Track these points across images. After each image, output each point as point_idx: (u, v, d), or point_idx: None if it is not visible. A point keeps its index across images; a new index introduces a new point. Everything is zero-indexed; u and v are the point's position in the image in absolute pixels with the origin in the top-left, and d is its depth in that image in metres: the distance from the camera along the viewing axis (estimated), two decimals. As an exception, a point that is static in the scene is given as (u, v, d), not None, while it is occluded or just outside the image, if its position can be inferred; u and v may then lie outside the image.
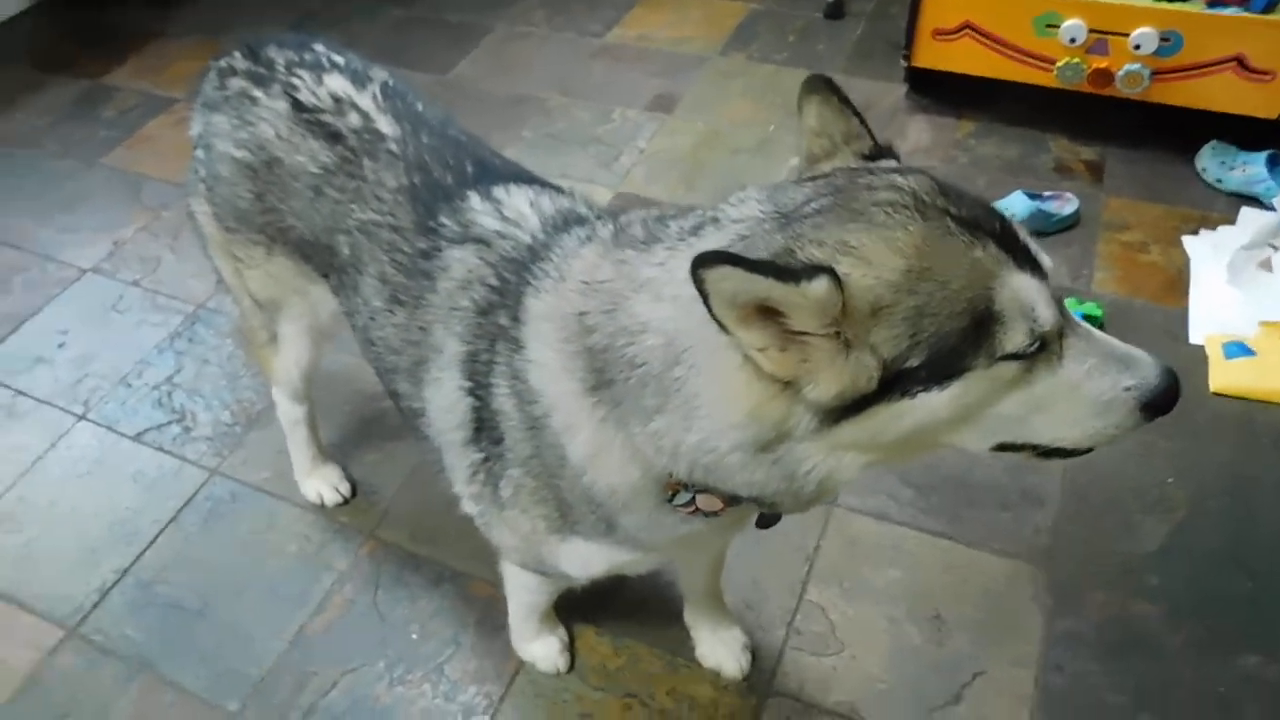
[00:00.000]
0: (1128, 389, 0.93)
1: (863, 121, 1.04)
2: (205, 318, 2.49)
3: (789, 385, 0.88)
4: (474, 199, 1.27)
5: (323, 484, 2.01)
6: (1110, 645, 1.73)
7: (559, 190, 1.31)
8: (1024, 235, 0.92)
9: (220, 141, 1.48)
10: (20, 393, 2.34)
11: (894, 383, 0.86)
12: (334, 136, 1.39)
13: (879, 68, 3.10)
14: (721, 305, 0.82)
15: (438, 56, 3.33)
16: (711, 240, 0.94)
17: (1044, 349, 0.90)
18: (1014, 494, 1.96)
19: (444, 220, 1.26)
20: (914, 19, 2.70)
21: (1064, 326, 0.92)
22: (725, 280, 0.80)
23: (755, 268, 0.81)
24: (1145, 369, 0.93)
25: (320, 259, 1.45)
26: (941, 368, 0.86)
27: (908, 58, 2.80)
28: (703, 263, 0.80)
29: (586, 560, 1.27)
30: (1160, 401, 0.93)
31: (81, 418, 2.27)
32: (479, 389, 1.17)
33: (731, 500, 1.03)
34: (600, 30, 3.44)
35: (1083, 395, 0.92)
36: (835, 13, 3.35)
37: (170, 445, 2.19)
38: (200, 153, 1.54)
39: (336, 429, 2.15)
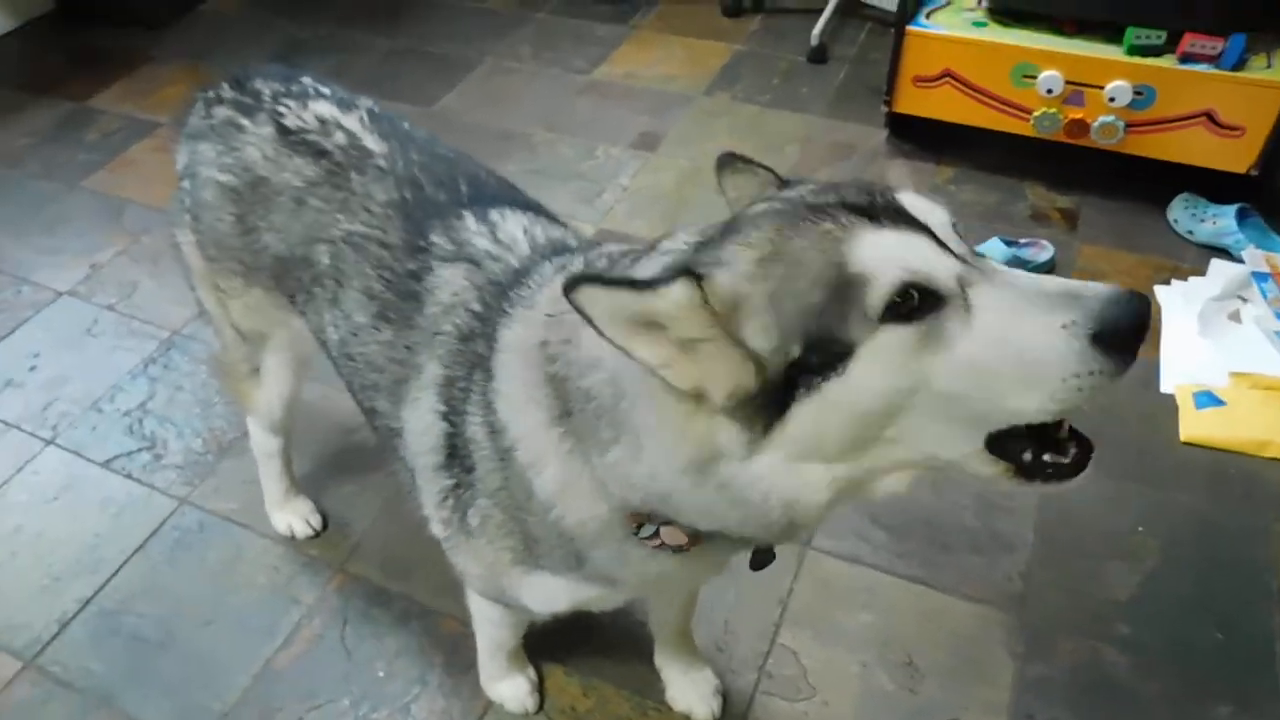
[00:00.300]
0: (1066, 325, 0.80)
1: (767, 168, 1.10)
2: (181, 344, 2.47)
3: (700, 398, 0.87)
4: (469, 219, 1.28)
5: (294, 516, 1.99)
6: (1081, 693, 1.73)
7: (553, 219, 1.33)
8: (908, 200, 0.87)
9: (205, 168, 1.48)
10: (-12, 416, 2.31)
11: (795, 381, 0.85)
12: (320, 153, 1.40)
13: (860, 111, 3.15)
14: (605, 324, 0.83)
15: (424, 88, 3.35)
16: (641, 269, 0.95)
17: (942, 304, 0.82)
18: (985, 538, 1.97)
19: (435, 239, 1.27)
20: (895, 66, 2.75)
21: (966, 275, 0.83)
22: (594, 300, 0.82)
23: (614, 283, 0.84)
24: (1089, 299, 0.80)
25: (291, 278, 1.44)
26: (826, 349, 0.83)
27: (888, 103, 2.85)
28: (571, 286, 0.82)
29: (551, 595, 1.25)
30: (1114, 328, 0.79)
31: (50, 443, 2.24)
32: (454, 415, 1.17)
33: (695, 535, 1.02)
34: (586, 67, 3.48)
35: (1012, 346, 0.81)
36: (818, 57, 3.40)
37: (139, 473, 2.16)
38: (186, 183, 1.54)
39: (309, 460, 2.13)
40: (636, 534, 1.05)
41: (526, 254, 1.22)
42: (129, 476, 2.15)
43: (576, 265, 1.12)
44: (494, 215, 1.28)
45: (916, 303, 0.81)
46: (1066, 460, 0.91)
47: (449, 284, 1.23)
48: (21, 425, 2.28)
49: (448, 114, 3.24)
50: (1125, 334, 0.80)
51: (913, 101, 2.80)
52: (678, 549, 1.05)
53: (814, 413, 0.86)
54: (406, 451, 1.30)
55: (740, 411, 0.87)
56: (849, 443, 0.88)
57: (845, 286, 0.82)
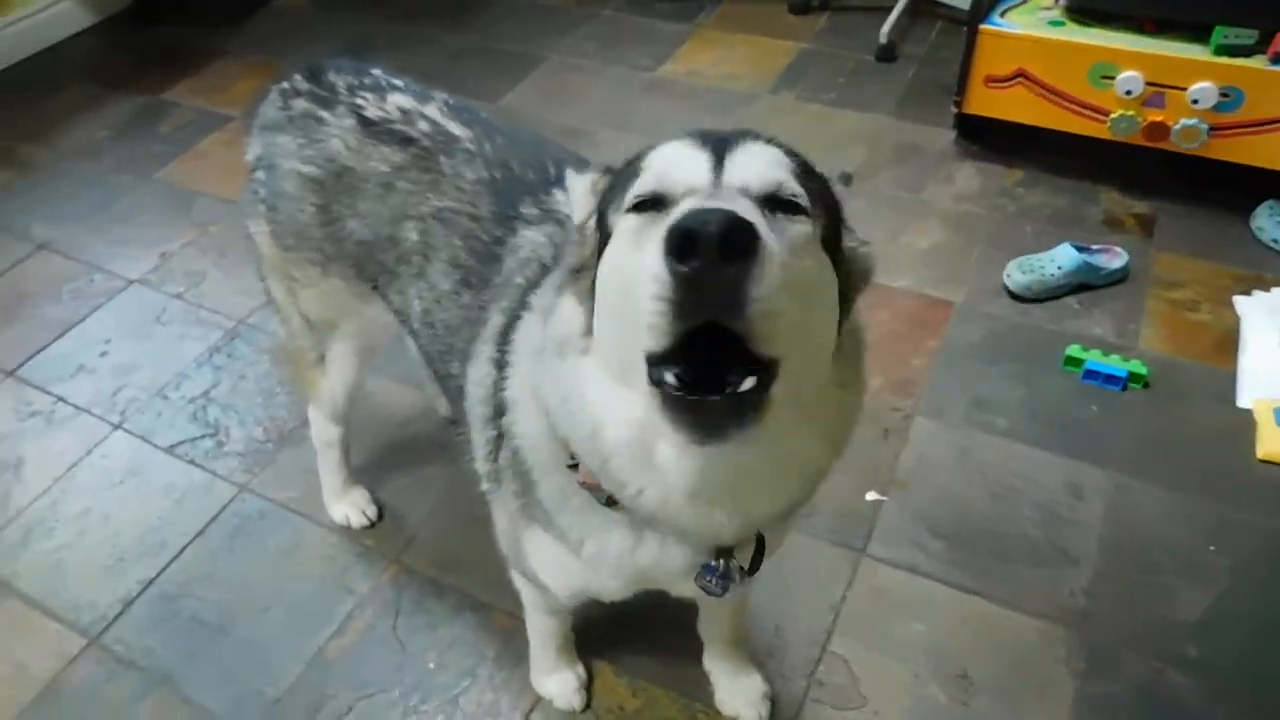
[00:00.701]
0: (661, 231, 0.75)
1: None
2: (245, 334, 2.52)
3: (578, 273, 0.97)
4: (559, 194, 1.30)
5: (350, 507, 2.02)
6: (1145, 715, 1.67)
7: None
8: (747, 144, 0.90)
9: (285, 160, 1.52)
10: (60, 399, 2.38)
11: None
12: (406, 140, 1.44)
13: (928, 112, 3.08)
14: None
15: (490, 85, 3.37)
16: None
17: (666, 210, 0.83)
18: (1047, 550, 1.91)
19: (525, 209, 1.30)
20: (967, 65, 2.68)
21: (695, 194, 0.82)
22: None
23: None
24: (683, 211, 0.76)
25: (373, 262, 1.48)
26: (605, 224, 0.93)
27: (958, 104, 2.78)
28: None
29: (549, 562, 1.26)
30: (675, 229, 0.72)
31: (118, 427, 2.30)
32: (502, 363, 1.19)
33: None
34: (651, 65, 3.46)
35: (633, 260, 0.82)
36: (887, 55, 3.34)
37: (202, 459, 2.21)
38: (261, 174, 1.57)
39: (366, 453, 2.16)
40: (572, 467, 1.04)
41: None
42: (192, 462, 2.20)
43: None
44: None
45: (651, 202, 0.86)
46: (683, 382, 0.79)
47: (530, 242, 1.27)
48: (92, 409, 2.35)
49: (512, 110, 3.25)
50: (675, 232, 0.72)
51: (984, 102, 2.73)
52: (607, 502, 1.01)
53: (598, 293, 0.91)
54: (468, 405, 1.32)
55: (583, 295, 0.95)
56: (610, 335, 0.89)
57: (629, 177, 0.91)
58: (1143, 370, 2.17)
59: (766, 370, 0.79)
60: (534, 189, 1.33)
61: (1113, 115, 2.56)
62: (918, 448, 2.12)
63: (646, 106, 3.25)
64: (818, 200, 0.90)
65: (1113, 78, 2.52)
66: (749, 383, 0.78)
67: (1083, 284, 2.41)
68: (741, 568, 1.09)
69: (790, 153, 0.93)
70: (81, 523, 2.09)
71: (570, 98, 3.32)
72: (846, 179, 1.02)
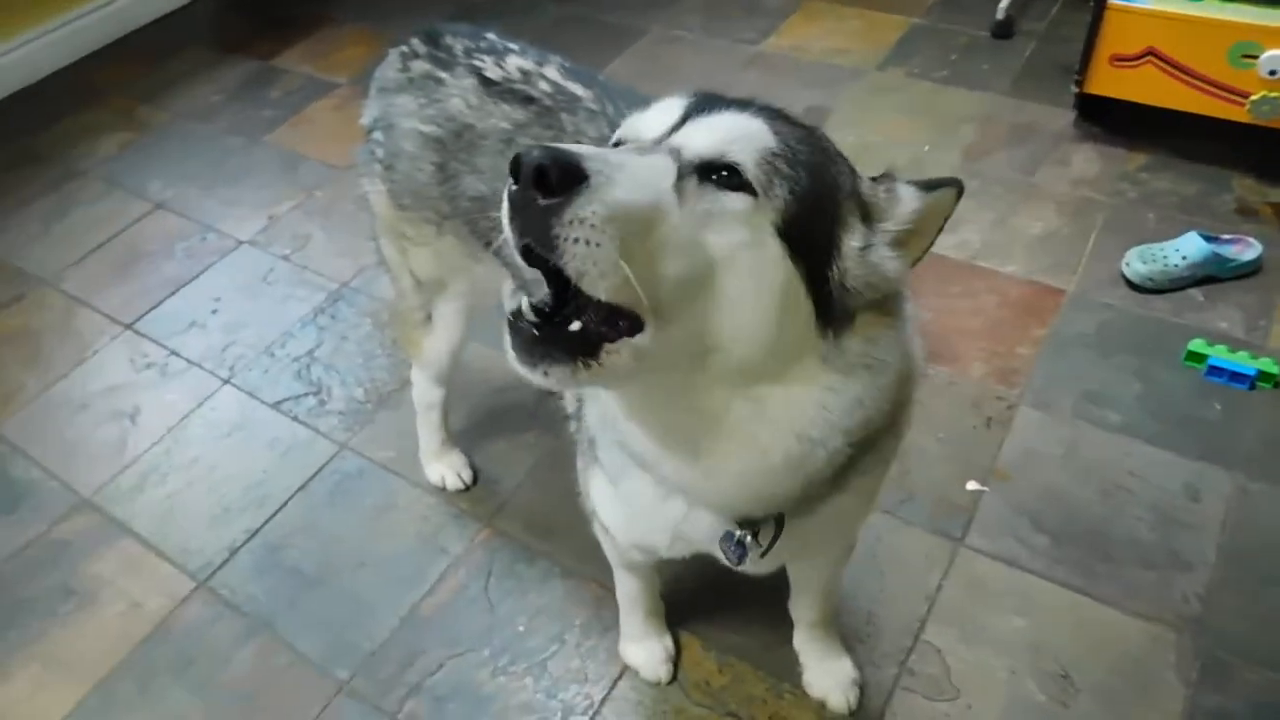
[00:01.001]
0: None
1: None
2: (348, 296, 2.57)
3: None
4: None
5: (447, 468, 2.05)
6: (1262, 731, 1.59)
7: None
8: (726, 109, 0.92)
9: (405, 120, 1.54)
10: (174, 353, 2.47)
11: None
12: (527, 99, 1.45)
13: (1046, 91, 2.95)
14: None
15: (592, 55, 3.35)
16: None
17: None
18: (1160, 553, 1.83)
19: None
20: (1091, 43, 2.55)
21: (636, 146, 0.90)
22: None
23: None
24: None
25: (488, 218, 1.49)
26: None
27: (1079, 83, 2.65)
28: None
29: (609, 506, 1.31)
30: (512, 156, 0.77)
31: (226, 382, 2.38)
32: None
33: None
34: (755, 38, 3.40)
35: None
36: (1003, 31, 3.21)
37: (305, 416, 2.27)
38: (378, 134, 1.60)
39: (464, 417, 2.18)
40: None
41: None
42: (295, 419, 2.26)
43: None
44: None
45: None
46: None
47: None
48: (203, 364, 2.43)
49: (614, 81, 3.22)
50: (511, 159, 0.77)
51: (1108, 82, 2.59)
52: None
53: None
54: None
55: None
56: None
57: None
58: (1274, 369, 2.05)
59: (630, 321, 0.82)
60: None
61: (1253, 97, 2.40)
62: (1022, 439, 2.04)
63: (748, 81, 3.19)
64: (788, 185, 0.86)
65: (1256, 57, 2.36)
66: (575, 325, 0.82)
67: (1209, 276, 2.28)
68: (758, 543, 1.10)
69: (782, 133, 0.89)
70: (191, 471, 2.17)
71: (670, 71, 3.28)
72: (885, 179, 0.98)
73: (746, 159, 0.85)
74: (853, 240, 0.92)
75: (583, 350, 0.82)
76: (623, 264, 0.76)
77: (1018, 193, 2.63)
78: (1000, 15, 3.19)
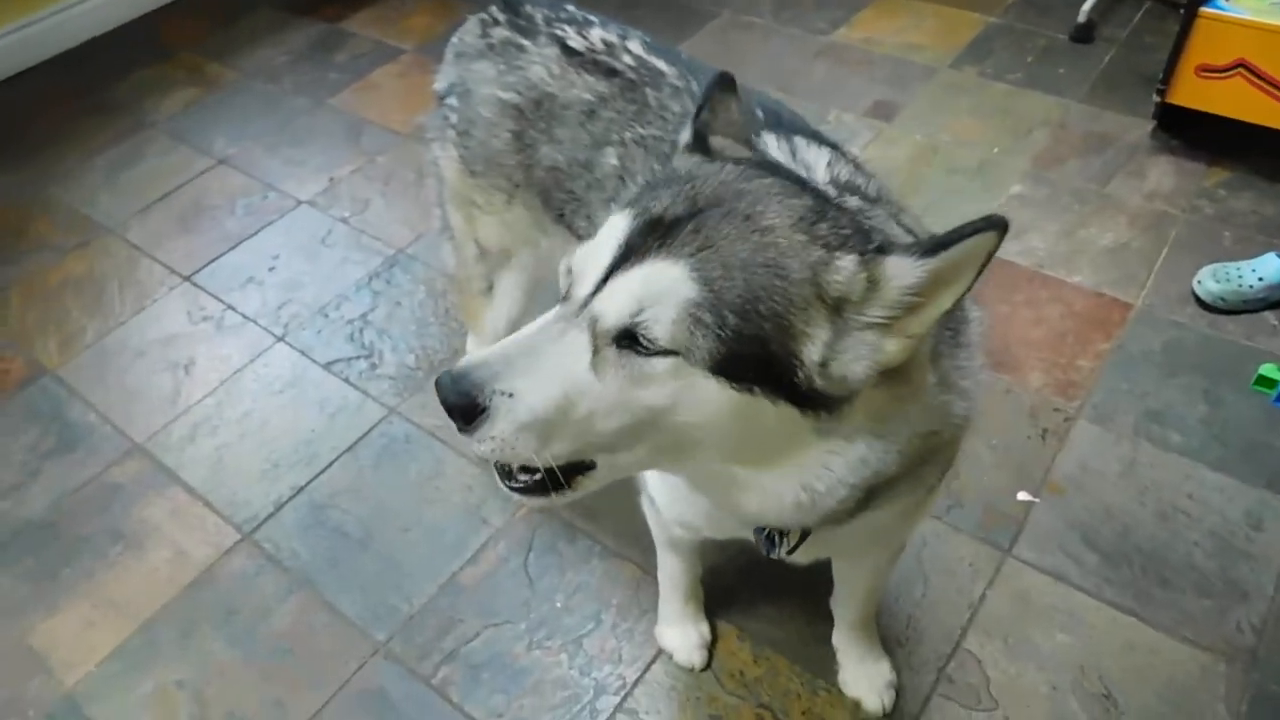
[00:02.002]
0: None
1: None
2: (404, 263, 2.58)
3: None
4: (769, 138, 1.26)
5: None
6: (1312, 770, 1.55)
7: (858, 164, 1.27)
8: (644, 261, 0.85)
9: (483, 87, 1.54)
10: (230, 307, 2.50)
11: None
12: (610, 71, 1.44)
13: (1125, 100, 2.88)
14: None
15: (661, 36, 3.23)
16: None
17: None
18: (1217, 581, 1.78)
19: None
20: (1178, 51, 2.47)
21: (567, 307, 0.89)
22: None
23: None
24: None
25: (563, 190, 1.49)
26: None
27: (1162, 93, 2.57)
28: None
29: (658, 479, 1.32)
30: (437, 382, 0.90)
31: (280, 339, 2.40)
32: None
33: None
34: (826, 29, 3.35)
35: None
36: (1083, 35, 3.13)
37: (356, 379, 2.28)
38: (453, 100, 1.59)
39: (512, 389, 2.18)
40: None
41: (823, 180, 1.17)
42: (346, 381, 2.28)
43: (879, 220, 1.06)
44: (797, 140, 1.25)
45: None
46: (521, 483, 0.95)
47: None
48: (258, 320, 2.46)
49: (695, 59, 3.19)
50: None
51: (1192, 93, 2.52)
52: None
53: None
54: None
55: None
56: None
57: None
58: (1345, 399, 1.99)
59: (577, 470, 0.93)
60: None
61: (1344, 118, 2.33)
62: (1078, 454, 2.00)
63: (818, 72, 3.15)
64: (713, 334, 0.83)
65: (1349, 76, 2.29)
66: (525, 479, 0.94)
67: (1286, 300, 2.22)
68: (786, 541, 1.11)
69: (708, 268, 0.83)
70: (242, 425, 2.19)
71: (739, 56, 3.25)
72: (871, 257, 0.86)
73: (662, 322, 0.83)
74: (812, 350, 0.85)
75: (554, 487, 0.92)
76: (544, 453, 0.87)
77: (1089, 203, 2.57)
78: (1082, 19, 3.11)
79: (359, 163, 2.95)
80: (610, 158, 1.41)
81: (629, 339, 0.85)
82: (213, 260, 2.65)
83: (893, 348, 0.87)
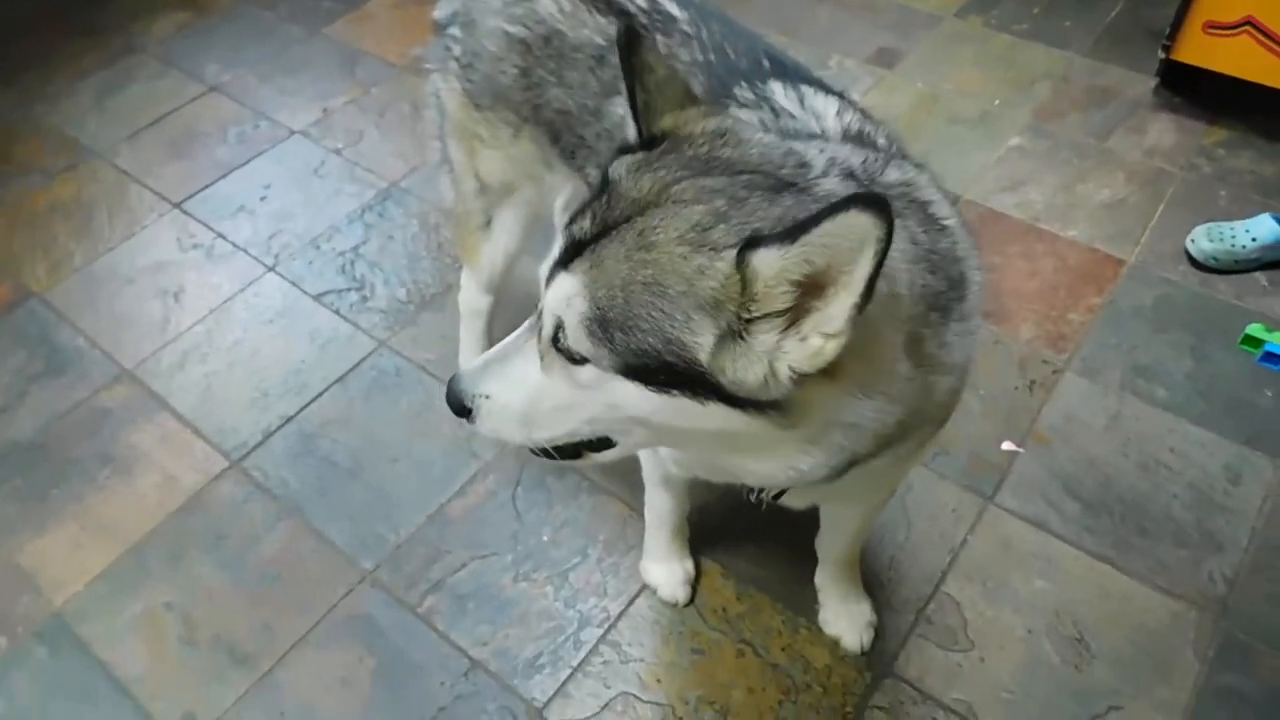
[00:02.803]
0: None
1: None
2: (397, 196, 2.56)
3: None
4: (776, 85, 1.25)
5: (477, 359, 2.04)
6: (1276, 716, 1.59)
7: (867, 113, 1.25)
8: (559, 273, 0.92)
9: (489, 18, 1.50)
10: (220, 236, 2.48)
11: None
12: (622, 13, 1.40)
13: (1129, 55, 2.85)
14: None
15: (659, -24, 3.25)
16: None
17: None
18: (1193, 532, 1.81)
19: (739, 92, 1.26)
20: (1186, 7, 2.44)
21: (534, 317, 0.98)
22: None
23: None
24: None
25: (573, 134, 1.46)
26: None
27: (1167, 49, 2.55)
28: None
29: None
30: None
31: (271, 269, 2.39)
32: None
33: None
34: (829, -27, 3.29)
35: None
36: (1089, -11, 3.09)
37: (347, 311, 2.27)
38: (456, 30, 1.56)
39: (506, 329, 2.14)
40: None
41: (834, 130, 1.17)
42: (337, 312, 2.27)
43: (886, 168, 1.07)
44: (804, 88, 1.25)
45: None
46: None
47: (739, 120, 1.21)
48: (249, 249, 2.44)
49: (709, 4, 3.14)
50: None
51: (1198, 50, 2.50)
52: None
53: None
54: None
55: None
56: None
57: None
58: (1330, 359, 2.01)
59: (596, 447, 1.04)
60: (749, 76, 1.28)
61: (1348, 80, 2.31)
62: (1065, 405, 2.02)
63: (821, 16, 3.10)
64: (605, 346, 0.89)
65: (1356, 36, 2.26)
66: (543, 456, 1.07)
67: (1276, 261, 2.22)
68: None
69: (596, 286, 0.88)
70: (232, 354, 2.19)
71: (742, 1, 3.19)
72: (745, 257, 0.84)
73: (570, 332, 0.91)
74: (704, 358, 0.86)
75: (573, 456, 1.06)
76: (531, 437, 1.02)
77: (1088, 158, 2.56)
78: (1089, -28, 3.07)
79: (354, 94, 2.90)
80: (619, 107, 1.37)
81: (556, 343, 0.93)
82: (203, 188, 2.61)
83: (805, 350, 0.84)
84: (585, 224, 0.93)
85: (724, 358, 0.86)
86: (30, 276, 2.38)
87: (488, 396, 1.02)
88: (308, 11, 3.26)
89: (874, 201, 0.74)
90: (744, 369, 0.86)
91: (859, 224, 0.75)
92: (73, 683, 1.68)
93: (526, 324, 1.00)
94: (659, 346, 0.86)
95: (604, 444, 1.03)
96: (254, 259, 2.41)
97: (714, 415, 0.89)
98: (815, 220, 0.77)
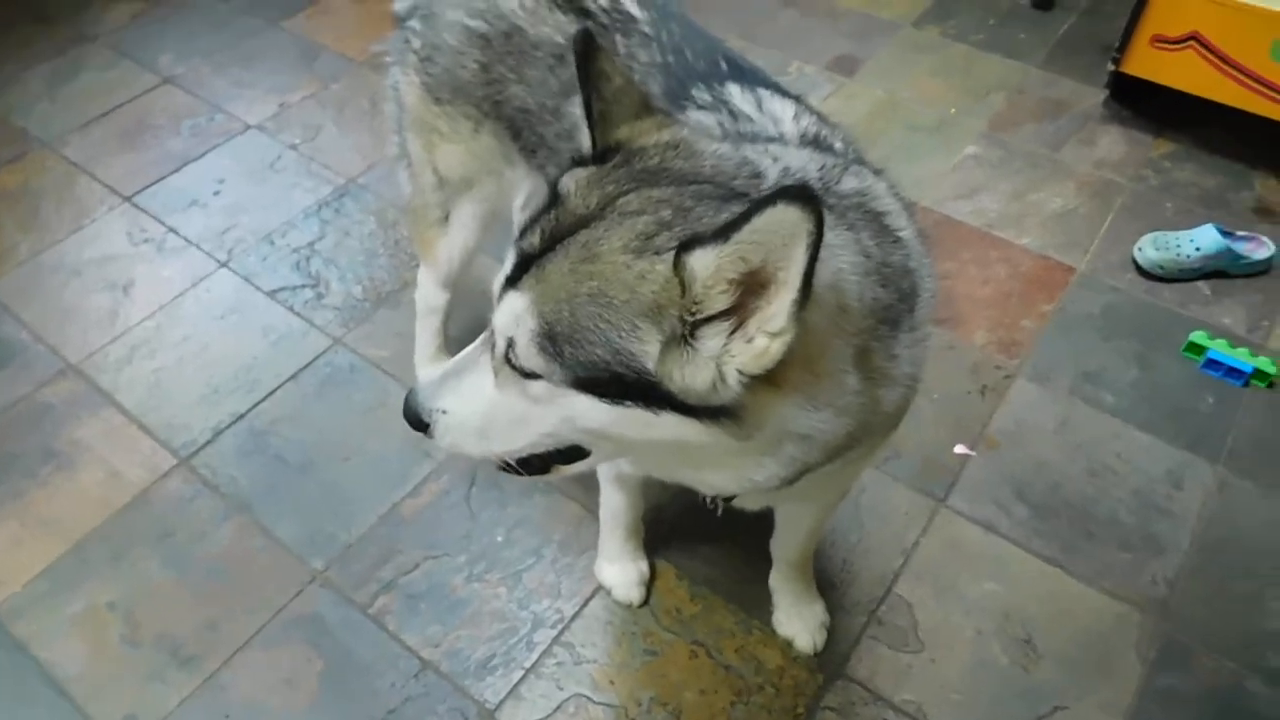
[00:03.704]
0: None
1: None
2: (354, 193, 2.53)
3: None
4: (733, 88, 1.26)
5: (434, 372, 2.03)
6: (1213, 715, 1.63)
7: (823, 117, 1.27)
8: (509, 291, 0.93)
9: (449, 11, 1.49)
10: (172, 230, 2.43)
11: None
12: (582, 11, 1.40)
13: (1080, 68, 2.91)
14: None
15: (623, -21, 3.26)
16: None
17: None
18: (1137, 536, 1.85)
19: (696, 94, 1.26)
20: (1134, 21, 2.50)
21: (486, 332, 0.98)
22: None
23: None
24: None
25: (533, 133, 1.45)
26: None
27: (1117, 61, 2.61)
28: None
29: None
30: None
31: (224, 265, 2.35)
32: None
33: None
34: (792, -20, 3.32)
35: None
36: (1045, 2, 3.15)
37: (301, 308, 2.24)
38: (416, 24, 1.55)
39: (462, 326, 2.15)
40: None
41: (791, 134, 1.18)
42: (290, 309, 2.24)
43: (843, 176, 1.07)
44: (761, 92, 1.26)
45: None
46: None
47: (698, 124, 1.21)
48: (201, 244, 2.40)
49: (671, 4, 3.14)
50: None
51: (1146, 64, 2.55)
52: None
53: None
54: None
55: None
56: None
57: None
58: (1271, 369, 2.06)
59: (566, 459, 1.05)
60: (706, 77, 1.28)
61: (1289, 95, 2.38)
62: (1016, 410, 2.05)
63: (781, 21, 3.13)
64: (557, 361, 0.90)
65: (1296, 54, 2.33)
66: (511, 472, 1.07)
67: (1218, 270, 2.28)
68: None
69: (544, 301, 0.89)
70: (181, 350, 2.15)
71: (705, 5, 3.19)
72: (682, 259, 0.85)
73: (521, 349, 0.91)
74: (650, 365, 0.86)
75: (542, 470, 1.06)
76: (490, 450, 1.02)
77: (1040, 167, 2.61)
78: (1044, -16, 3.13)
79: (312, 88, 2.87)
80: (577, 108, 1.37)
81: (509, 360, 0.94)
82: (155, 181, 2.56)
83: (751, 351, 0.84)
84: (534, 239, 0.93)
85: (671, 364, 0.86)
86: (-28, 267, 2.32)
87: (445, 411, 1.01)
88: (266, 4, 3.21)
89: (800, 194, 0.74)
90: (691, 375, 0.86)
91: (788, 218, 0.75)
92: (8, 683, 1.64)
93: (482, 338, 1.00)
94: (607, 358, 0.87)
95: (572, 456, 1.03)
96: (206, 254, 2.37)
97: (668, 425, 0.89)
98: (745, 217, 0.77)
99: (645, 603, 1.74)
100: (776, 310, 0.81)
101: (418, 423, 1.03)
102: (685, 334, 0.85)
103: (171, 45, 3.01)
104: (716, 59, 1.33)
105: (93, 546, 1.80)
